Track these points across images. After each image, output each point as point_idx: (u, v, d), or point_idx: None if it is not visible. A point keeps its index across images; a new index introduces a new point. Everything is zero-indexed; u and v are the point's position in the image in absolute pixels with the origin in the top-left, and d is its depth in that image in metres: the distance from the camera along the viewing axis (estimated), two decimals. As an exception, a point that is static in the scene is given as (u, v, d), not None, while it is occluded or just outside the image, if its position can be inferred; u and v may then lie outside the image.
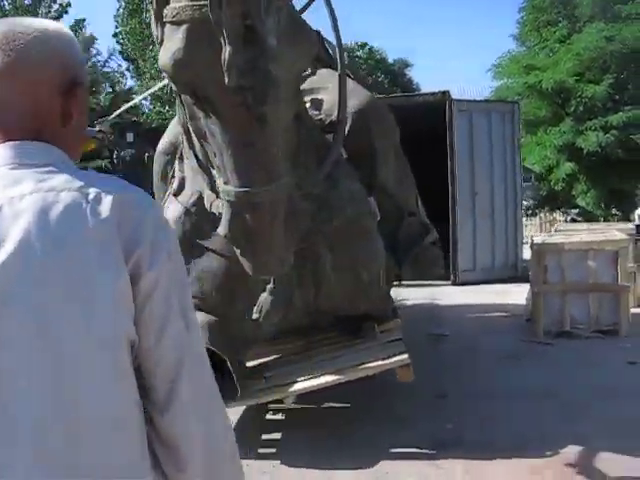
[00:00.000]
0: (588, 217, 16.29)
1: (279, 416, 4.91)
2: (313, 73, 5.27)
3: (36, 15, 20.64)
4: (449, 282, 10.31)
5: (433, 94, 10.36)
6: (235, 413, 4.82)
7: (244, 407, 4.80)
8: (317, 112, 4.92)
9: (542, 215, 20.70)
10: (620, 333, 6.43)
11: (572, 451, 3.89)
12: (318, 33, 5.65)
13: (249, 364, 4.63)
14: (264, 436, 4.52)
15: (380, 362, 4.07)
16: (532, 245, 6.75)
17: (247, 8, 2.49)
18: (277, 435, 4.53)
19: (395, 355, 4.09)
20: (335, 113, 4.93)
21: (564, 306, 6.61)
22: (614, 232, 7.07)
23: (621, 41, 15.50)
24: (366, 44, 23.96)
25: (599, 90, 15.11)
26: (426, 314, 8.26)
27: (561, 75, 15.31)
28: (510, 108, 10.64)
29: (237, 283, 3.70)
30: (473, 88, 41.45)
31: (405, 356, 4.05)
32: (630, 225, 8.43)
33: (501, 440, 4.11)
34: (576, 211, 17.67)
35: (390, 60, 24.59)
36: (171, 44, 2.82)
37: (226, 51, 2.57)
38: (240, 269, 3.58)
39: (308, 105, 5.02)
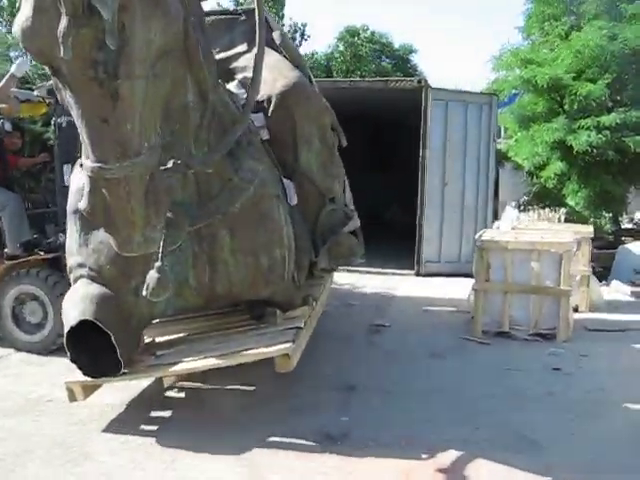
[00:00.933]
0: (577, 217, 16.02)
1: (181, 394, 4.83)
2: (248, 51, 5.18)
3: None
4: (412, 272, 10.19)
5: (410, 81, 10.17)
6: (138, 387, 4.77)
7: (149, 381, 4.74)
8: (243, 91, 4.83)
9: (541, 211, 20.41)
10: (558, 338, 6.27)
11: (449, 456, 3.77)
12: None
13: (159, 340, 4.58)
14: (153, 413, 4.44)
15: (260, 350, 3.95)
16: (476, 241, 6.58)
17: None
18: (167, 413, 4.44)
19: (279, 344, 3.97)
20: (262, 93, 4.82)
21: (504, 306, 6.46)
22: (566, 234, 6.87)
23: (623, 41, 15.12)
24: (368, 27, 23.73)
25: (594, 89, 14.78)
26: (377, 303, 8.15)
27: (558, 71, 14.98)
28: (488, 100, 10.43)
29: (132, 259, 3.60)
30: (474, 79, 41.14)
31: (286, 345, 3.93)
32: (590, 228, 8.19)
33: (385, 438, 4.01)
34: (565, 210, 17.38)
35: (396, 45, 24.33)
36: (21, 12, 2.74)
37: (62, 22, 2.51)
38: None
39: (235, 84, 4.90)
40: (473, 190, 10.31)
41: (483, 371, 5.42)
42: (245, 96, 4.72)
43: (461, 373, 5.38)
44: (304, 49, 23.64)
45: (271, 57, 5.07)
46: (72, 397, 3.99)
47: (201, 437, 3.96)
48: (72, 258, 4.04)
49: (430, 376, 5.29)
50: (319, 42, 55.37)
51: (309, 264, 4.91)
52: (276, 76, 4.85)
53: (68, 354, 3.81)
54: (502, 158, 18.25)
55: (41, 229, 6.14)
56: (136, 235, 2.89)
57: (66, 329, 3.73)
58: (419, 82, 9.92)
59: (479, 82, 24.28)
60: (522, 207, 19.40)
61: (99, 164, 2.76)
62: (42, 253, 5.77)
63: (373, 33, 24.15)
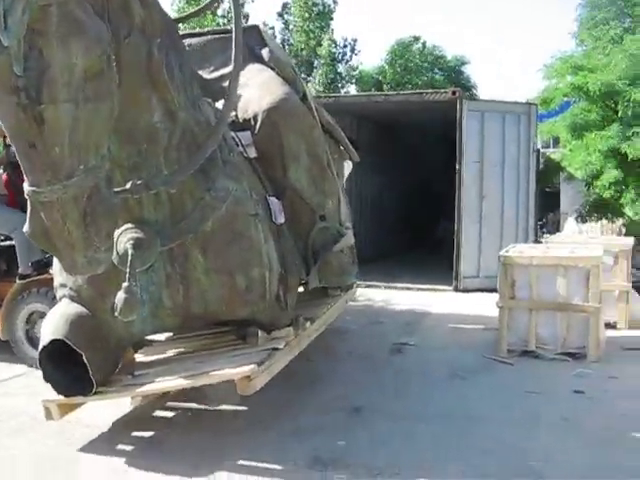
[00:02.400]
0: (635, 228, 15.38)
1: (170, 414, 4.81)
2: (241, 68, 5.14)
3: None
4: (451, 288, 9.95)
5: (444, 92, 9.99)
6: (126, 405, 4.76)
7: (139, 400, 4.73)
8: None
9: (603, 222, 19.74)
10: (587, 358, 5.96)
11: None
12: (254, 27, 5.54)
13: (144, 360, 4.58)
14: (135, 433, 4.41)
15: (224, 371, 3.91)
16: (499, 257, 6.35)
17: None
18: (149, 433, 4.41)
19: (242, 365, 3.89)
20: (249, 111, 4.79)
21: (530, 324, 6.19)
22: (597, 248, 6.55)
23: (681, 44, 14.48)
24: (419, 38, 23.53)
25: (649, 95, 14.18)
26: (408, 320, 7.98)
27: (611, 77, 14.46)
28: (526, 109, 10.13)
29: (107, 279, 3.66)
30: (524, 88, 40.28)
31: (248, 368, 3.83)
32: (630, 240, 7.80)
33: (379, 464, 3.85)
34: (622, 221, 16.71)
35: (449, 57, 24.00)
36: None
37: None
38: (112, 266, 3.54)
39: (222, 102, 4.92)
40: (513, 203, 10.01)
41: (502, 393, 5.20)
42: (234, 114, 4.73)
43: (478, 396, 5.15)
44: (354, 63, 23.65)
45: (263, 74, 5.06)
46: (49, 415, 4.02)
47: (180, 460, 3.89)
48: (56, 278, 4.12)
49: (445, 399, 5.09)
50: (370, 56, 55.47)
51: (299, 283, 4.82)
52: (263, 93, 4.84)
53: (42, 373, 3.85)
54: (558, 168, 17.74)
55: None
56: (78, 257, 2.89)
57: (39, 348, 3.79)
58: (453, 93, 9.74)
59: (531, 92, 23.69)
60: (581, 218, 18.80)
61: (33, 187, 2.80)
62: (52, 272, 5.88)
63: (424, 45, 23.90)
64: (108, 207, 2.95)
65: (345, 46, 22.99)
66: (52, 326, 3.87)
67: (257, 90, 4.94)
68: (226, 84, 5.10)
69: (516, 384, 5.40)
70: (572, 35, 18.09)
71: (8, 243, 6.22)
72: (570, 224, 18.34)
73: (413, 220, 16.02)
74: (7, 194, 6.36)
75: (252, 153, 4.71)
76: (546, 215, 21.16)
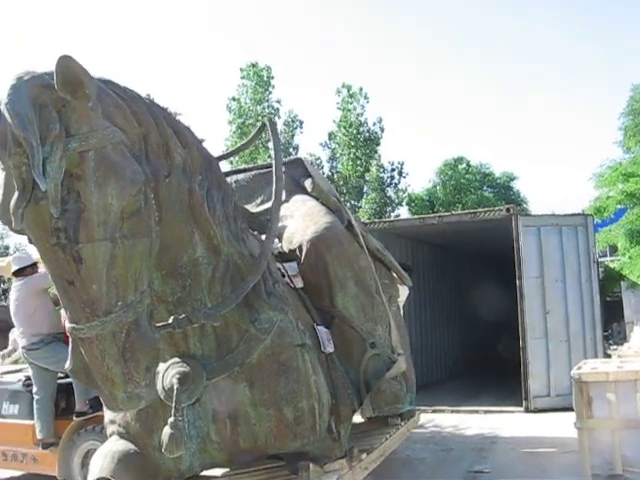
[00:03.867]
0: None
1: None
2: (286, 201, 5.36)
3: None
4: (521, 409, 9.55)
5: (499, 210, 10.03)
6: None
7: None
8: (277, 241, 4.97)
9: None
10: (681, 480, 5.55)
11: None
12: (298, 160, 5.81)
13: None
14: None
15: None
16: (572, 375, 6.09)
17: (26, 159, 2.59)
18: None
19: None
20: (294, 241, 4.92)
21: (614, 445, 5.82)
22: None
23: None
24: (462, 158, 24.01)
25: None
26: (479, 446, 7.62)
27: (661, 180, 14.40)
28: (582, 221, 10.02)
29: (155, 415, 3.69)
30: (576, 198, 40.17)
31: None
32: None
33: None
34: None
35: (497, 174, 24.40)
36: None
37: (14, 197, 2.69)
38: (159, 401, 3.58)
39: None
40: (578, 316, 9.73)
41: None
42: (279, 245, 4.84)
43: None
44: (403, 186, 24.13)
45: (307, 205, 5.22)
46: None
47: None
48: (106, 415, 4.11)
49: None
50: (418, 178, 56.67)
51: (352, 413, 4.70)
52: (308, 223, 4.97)
53: None
54: (618, 277, 17.35)
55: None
56: (118, 392, 2.86)
57: None
58: (507, 210, 9.76)
59: (583, 202, 23.69)
60: (650, 328, 18.13)
61: (72, 324, 2.83)
62: None
63: (468, 164, 24.40)
64: (148, 342, 2.94)
65: (393, 170, 23.61)
66: (99, 464, 3.84)
67: (301, 220, 5.06)
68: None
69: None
70: (618, 144, 18.22)
71: (67, 380, 6.26)
72: (637, 333, 17.68)
73: (475, 340, 15.76)
74: (64, 332, 6.52)
75: (299, 283, 4.75)
76: (610, 325, 20.51)
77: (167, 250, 3.39)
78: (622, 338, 19.19)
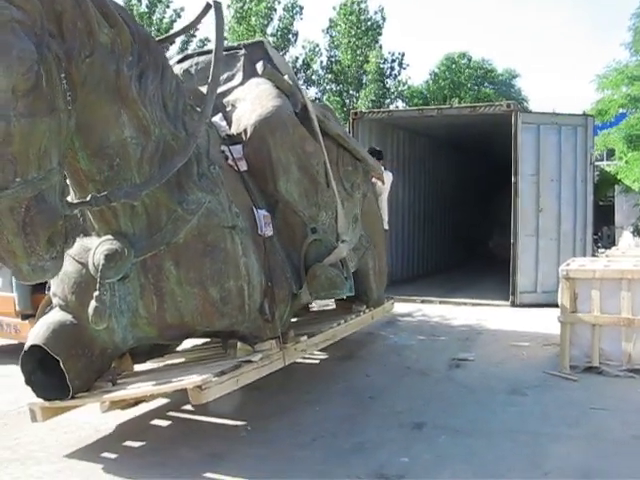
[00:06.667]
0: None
1: (166, 423, 4.91)
2: (241, 84, 5.43)
3: (151, 21, 21.67)
4: (508, 303, 9.81)
5: (499, 105, 9.91)
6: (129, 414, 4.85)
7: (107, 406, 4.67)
8: (225, 124, 5.06)
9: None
10: (655, 374, 5.80)
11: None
12: (259, 43, 5.73)
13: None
14: (128, 442, 4.49)
15: (177, 382, 3.98)
16: (560, 271, 6.23)
17: None
18: (139, 443, 4.47)
19: (202, 375, 3.94)
20: (240, 125, 4.94)
21: (594, 339, 6.05)
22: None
23: None
24: (465, 54, 23.41)
25: None
26: (465, 336, 7.89)
27: (668, 86, 14.13)
28: (583, 121, 9.94)
29: (89, 289, 3.83)
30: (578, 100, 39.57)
31: (200, 378, 3.86)
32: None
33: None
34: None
35: (499, 70, 23.88)
36: None
37: None
38: (92, 275, 3.81)
39: (219, 117, 5.10)
40: (570, 216, 9.84)
41: (564, 410, 5.08)
42: (225, 129, 4.86)
43: (540, 411, 5.05)
44: (402, 78, 23.64)
45: (259, 88, 5.20)
46: (33, 418, 4.18)
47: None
48: (52, 288, 4.30)
49: (506, 414, 5.00)
50: (420, 71, 55.32)
51: (288, 296, 4.79)
52: (255, 107, 4.97)
53: (23, 377, 4.05)
54: (613, 181, 17.38)
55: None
56: (22, 264, 3.00)
57: (22, 353, 4.00)
58: (508, 106, 9.65)
59: (585, 103, 23.30)
60: (638, 232, 18.37)
61: None
62: None
63: (470, 60, 23.82)
64: (49, 217, 3.01)
65: (393, 61, 23.04)
66: (35, 332, 4.08)
67: (250, 104, 5.06)
68: (226, 99, 5.27)
69: (581, 401, 5.27)
70: (626, 45, 17.72)
71: None
72: (626, 238, 17.93)
73: (467, 234, 15.94)
74: None
75: (243, 166, 4.77)
76: (600, 229, 20.74)
77: (91, 130, 3.47)
78: (611, 242, 19.47)
